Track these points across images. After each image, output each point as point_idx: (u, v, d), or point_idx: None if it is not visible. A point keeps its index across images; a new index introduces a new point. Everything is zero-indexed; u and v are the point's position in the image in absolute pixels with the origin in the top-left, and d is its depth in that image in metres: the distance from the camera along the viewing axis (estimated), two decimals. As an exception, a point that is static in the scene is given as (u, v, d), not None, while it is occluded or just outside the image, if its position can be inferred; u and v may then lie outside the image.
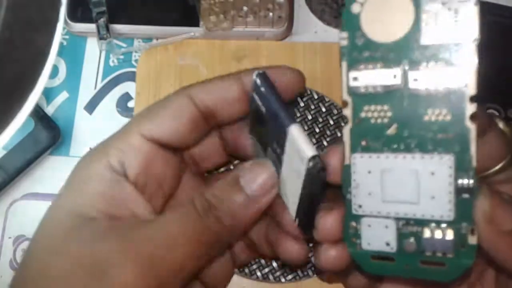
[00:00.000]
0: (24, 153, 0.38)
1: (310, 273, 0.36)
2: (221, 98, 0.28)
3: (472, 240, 0.22)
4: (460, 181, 0.22)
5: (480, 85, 0.21)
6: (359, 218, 0.24)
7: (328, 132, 0.39)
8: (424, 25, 0.22)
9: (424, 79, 0.22)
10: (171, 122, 0.28)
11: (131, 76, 0.42)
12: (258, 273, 0.36)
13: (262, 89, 0.26)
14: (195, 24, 0.41)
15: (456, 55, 0.21)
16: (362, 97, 0.23)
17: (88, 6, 0.40)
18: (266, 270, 0.36)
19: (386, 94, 0.23)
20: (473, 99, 0.21)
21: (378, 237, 0.24)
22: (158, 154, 0.28)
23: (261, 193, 0.26)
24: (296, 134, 0.24)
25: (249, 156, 0.31)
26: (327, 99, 0.39)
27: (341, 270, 0.25)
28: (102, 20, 0.39)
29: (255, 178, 0.26)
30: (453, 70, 0.21)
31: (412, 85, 0.22)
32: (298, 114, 0.39)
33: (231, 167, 0.36)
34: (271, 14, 0.41)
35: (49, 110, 0.41)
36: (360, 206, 0.24)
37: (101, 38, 0.40)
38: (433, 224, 0.22)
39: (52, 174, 0.40)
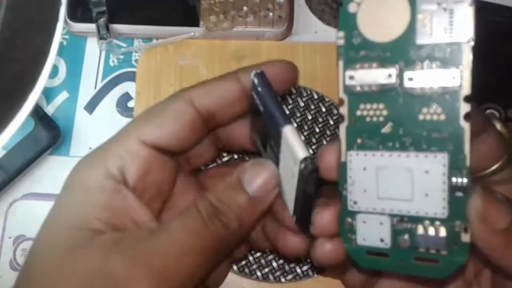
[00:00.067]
0: (24, 153, 0.38)
1: (310, 273, 0.36)
2: (221, 99, 0.28)
3: (465, 238, 0.22)
4: (454, 180, 0.22)
5: (476, 85, 0.21)
6: (355, 214, 0.24)
7: (328, 132, 0.39)
8: (420, 25, 0.22)
9: (419, 78, 0.22)
10: (171, 126, 0.27)
11: (131, 76, 0.42)
12: (258, 273, 0.36)
13: (259, 88, 0.26)
14: (195, 24, 0.41)
15: (451, 55, 0.22)
16: (358, 96, 0.23)
17: (88, 6, 0.40)
18: (266, 270, 0.36)
19: (382, 93, 0.23)
20: (467, 99, 0.21)
21: (373, 233, 0.24)
22: (156, 158, 0.28)
23: (264, 194, 0.26)
24: (289, 135, 0.24)
25: (245, 151, 0.30)
26: (327, 99, 0.39)
27: (337, 265, 0.26)
28: (102, 20, 0.39)
29: (256, 178, 0.26)
30: (448, 70, 0.22)
31: (407, 84, 0.22)
32: (298, 114, 0.39)
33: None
34: (271, 14, 0.41)
35: (49, 110, 0.41)
36: (355, 203, 0.24)
37: (101, 38, 0.40)
38: (427, 221, 0.23)
39: (52, 174, 0.39)
